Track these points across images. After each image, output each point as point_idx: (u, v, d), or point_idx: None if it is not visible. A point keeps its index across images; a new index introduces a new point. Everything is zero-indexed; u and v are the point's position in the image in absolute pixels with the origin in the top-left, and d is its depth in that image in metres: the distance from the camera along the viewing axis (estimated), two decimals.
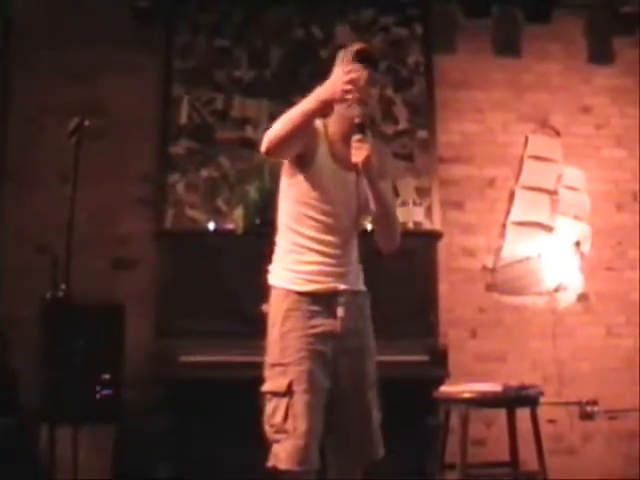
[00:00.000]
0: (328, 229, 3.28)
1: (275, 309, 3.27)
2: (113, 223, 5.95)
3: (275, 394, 3.16)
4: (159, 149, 6.09)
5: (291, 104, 6.04)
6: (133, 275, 5.90)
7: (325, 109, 3.16)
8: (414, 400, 4.91)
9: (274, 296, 3.30)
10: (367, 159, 3.11)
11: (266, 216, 5.47)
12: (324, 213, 3.26)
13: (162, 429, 5.03)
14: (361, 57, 3.25)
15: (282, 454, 3.10)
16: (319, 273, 3.25)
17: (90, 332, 5.08)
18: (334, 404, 3.20)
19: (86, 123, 3.80)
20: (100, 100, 5.99)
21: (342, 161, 3.24)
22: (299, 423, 3.09)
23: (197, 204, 6.03)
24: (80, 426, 4.18)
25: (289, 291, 3.25)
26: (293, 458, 3.08)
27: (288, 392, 3.12)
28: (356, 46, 3.30)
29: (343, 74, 3.08)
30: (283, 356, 3.17)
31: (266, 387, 3.21)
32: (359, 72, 3.14)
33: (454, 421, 4.72)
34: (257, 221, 5.52)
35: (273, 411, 3.15)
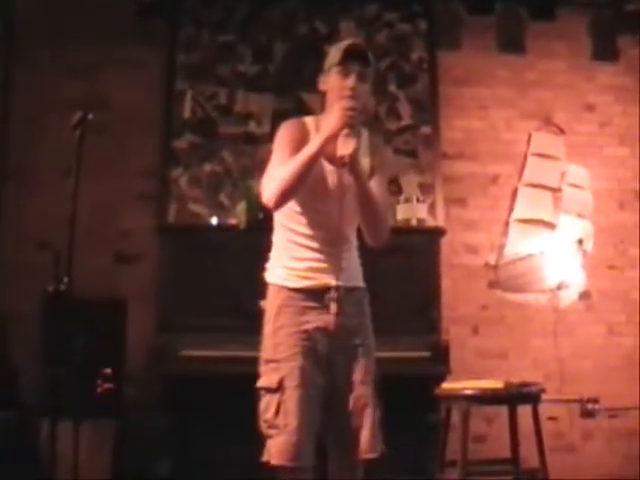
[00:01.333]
0: (320, 225, 3.27)
1: (269, 306, 3.27)
2: (115, 218, 5.95)
3: (267, 390, 3.17)
4: (162, 144, 6.09)
5: (295, 99, 6.12)
6: (135, 270, 5.90)
7: (329, 144, 3.13)
8: (415, 397, 4.90)
9: (269, 293, 3.31)
10: (353, 153, 3.09)
11: (269, 211, 5.47)
12: (315, 210, 3.26)
13: (163, 425, 5.03)
14: (350, 55, 3.25)
15: (273, 449, 3.11)
16: (312, 269, 3.25)
17: (92, 327, 5.08)
18: (329, 401, 3.21)
19: (89, 116, 3.80)
20: (103, 95, 5.99)
21: (333, 158, 3.20)
22: (290, 419, 3.10)
23: (200, 199, 6.03)
24: (81, 421, 4.20)
25: (282, 287, 3.25)
26: (284, 454, 3.09)
27: (279, 388, 3.13)
28: (344, 44, 3.29)
29: (337, 110, 3.11)
30: (276, 352, 3.18)
31: (260, 383, 3.22)
32: (346, 91, 3.18)
33: (455, 418, 4.73)
34: (260, 216, 5.51)
35: (266, 407, 3.17)
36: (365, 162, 3.30)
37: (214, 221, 5.77)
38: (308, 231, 3.27)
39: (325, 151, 3.15)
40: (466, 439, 4.58)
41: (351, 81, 3.22)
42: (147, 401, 5.33)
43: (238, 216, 5.65)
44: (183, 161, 6.07)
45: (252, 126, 6.18)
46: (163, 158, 6.07)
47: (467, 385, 4.69)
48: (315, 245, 3.26)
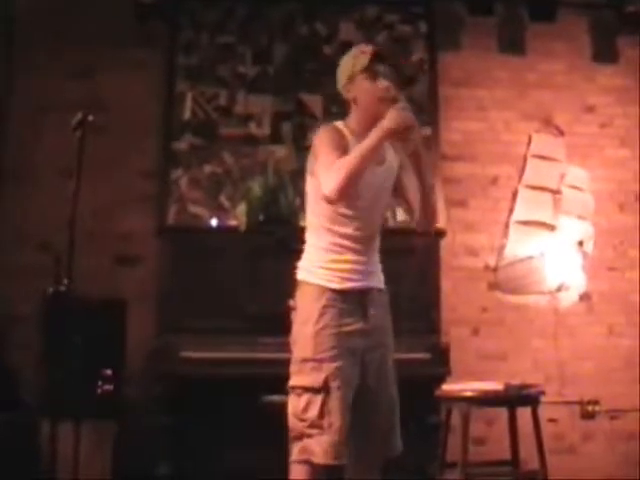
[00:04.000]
0: (362, 226, 3.33)
1: (309, 306, 3.28)
2: (116, 219, 5.95)
3: (308, 389, 3.18)
4: (162, 145, 6.09)
5: (295, 100, 6.12)
6: (135, 271, 5.91)
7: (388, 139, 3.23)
8: (415, 398, 4.88)
9: (307, 293, 3.31)
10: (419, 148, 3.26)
11: (269, 213, 5.48)
12: (359, 210, 3.31)
13: (163, 426, 5.03)
14: (380, 59, 3.36)
15: (318, 449, 3.13)
16: (353, 271, 3.31)
17: (92, 328, 5.07)
18: (360, 400, 3.24)
19: (90, 118, 3.80)
20: (103, 96, 5.99)
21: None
22: (334, 419, 3.13)
23: (200, 200, 6.03)
24: (81, 422, 4.19)
25: (326, 288, 3.27)
26: (330, 453, 3.12)
27: (324, 388, 3.15)
28: (367, 51, 3.38)
29: (398, 115, 3.18)
30: (317, 352, 3.20)
31: (297, 382, 3.23)
32: (384, 92, 3.31)
33: (455, 420, 4.72)
34: (260, 218, 5.51)
35: (306, 406, 3.18)
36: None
37: (214, 223, 5.78)
38: (350, 232, 3.31)
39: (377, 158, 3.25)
40: (466, 441, 4.58)
41: (382, 82, 3.33)
42: (147, 402, 5.32)
43: (238, 218, 5.64)
44: (183, 162, 6.07)
45: (252, 127, 6.19)
46: (163, 159, 6.07)
47: (467, 387, 4.68)
48: (356, 246, 3.32)
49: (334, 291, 3.27)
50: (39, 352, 5.17)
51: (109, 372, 5.25)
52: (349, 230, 3.31)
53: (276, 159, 6.09)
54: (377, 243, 3.45)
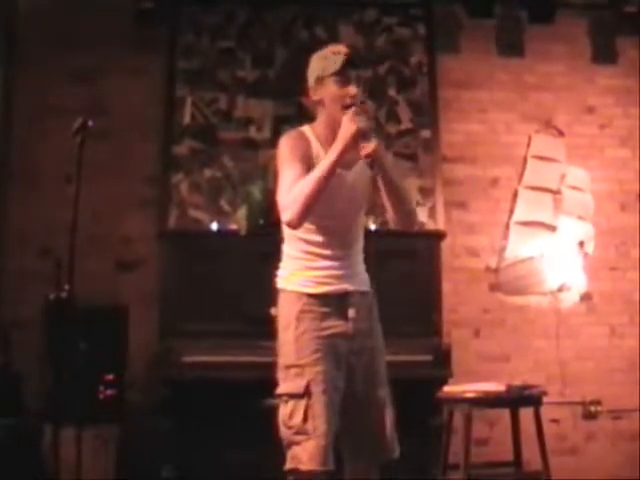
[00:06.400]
0: (334, 232, 3.28)
1: (288, 312, 3.25)
2: (116, 224, 5.95)
3: (292, 396, 3.14)
4: (162, 149, 6.10)
5: (295, 104, 6.12)
6: (136, 276, 5.91)
7: (347, 154, 3.14)
8: (417, 400, 4.90)
9: (285, 299, 3.29)
10: (376, 149, 3.11)
11: (269, 216, 5.48)
12: (329, 217, 3.25)
13: (165, 430, 5.03)
14: (353, 63, 3.25)
15: (304, 455, 3.08)
16: (329, 276, 3.26)
17: (94, 333, 5.10)
18: (348, 404, 3.21)
19: (90, 123, 3.80)
20: (104, 101, 6.00)
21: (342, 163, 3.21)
22: (319, 423, 3.09)
23: (200, 204, 6.03)
24: (83, 427, 4.19)
25: (301, 294, 3.24)
26: (316, 459, 3.07)
27: (306, 393, 3.11)
28: (338, 53, 3.27)
29: (349, 124, 3.10)
30: (299, 357, 3.17)
31: (282, 389, 3.19)
32: (349, 99, 3.19)
33: (457, 421, 4.73)
34: (260, 221, 5.52)
35: (291, 413, 3.14)
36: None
37: (215, 227, 5.78)
38: (321, 239, 3.26)
39: (343, 162, 3.15)
40: (468, 442, 4.58)
41: (352, 88, 3.22)
42: (149, 406, 5.33)
43: (238, 221, 5.65)
44: (183, 167, 6.08)
45: (252, 131, 6.19)
46: (163, 164, 6.08)
47: (469, 388, 4.68)
48: (330, 252, 3.27)
49: (311, 295, 3.23)
50: (41, 357, 5.18)
51: (111, 377, 5.26)
52: (321, 238, 3.26)
53: (276, 163, 6.09)
54: (359, 245, 3.39)
